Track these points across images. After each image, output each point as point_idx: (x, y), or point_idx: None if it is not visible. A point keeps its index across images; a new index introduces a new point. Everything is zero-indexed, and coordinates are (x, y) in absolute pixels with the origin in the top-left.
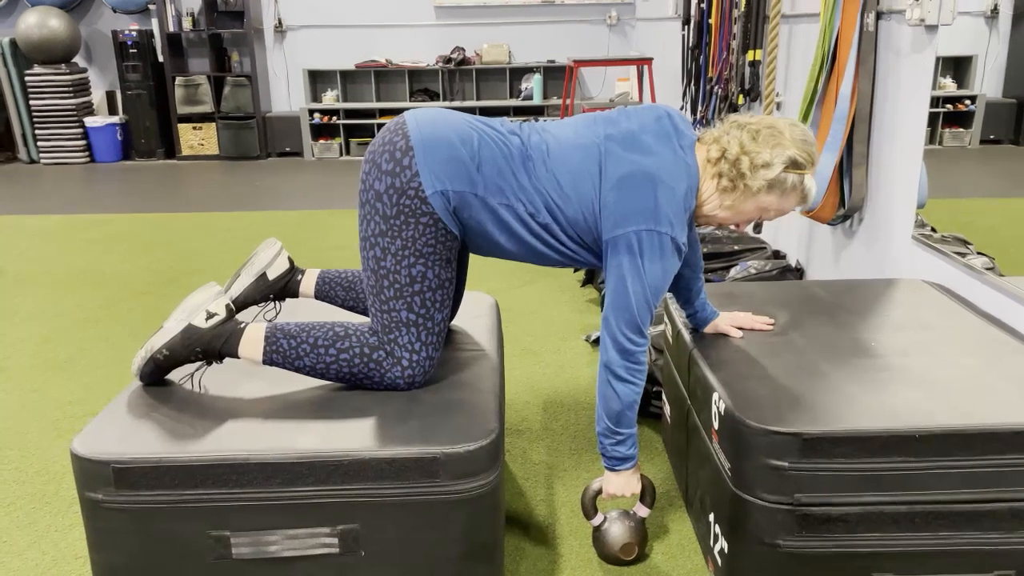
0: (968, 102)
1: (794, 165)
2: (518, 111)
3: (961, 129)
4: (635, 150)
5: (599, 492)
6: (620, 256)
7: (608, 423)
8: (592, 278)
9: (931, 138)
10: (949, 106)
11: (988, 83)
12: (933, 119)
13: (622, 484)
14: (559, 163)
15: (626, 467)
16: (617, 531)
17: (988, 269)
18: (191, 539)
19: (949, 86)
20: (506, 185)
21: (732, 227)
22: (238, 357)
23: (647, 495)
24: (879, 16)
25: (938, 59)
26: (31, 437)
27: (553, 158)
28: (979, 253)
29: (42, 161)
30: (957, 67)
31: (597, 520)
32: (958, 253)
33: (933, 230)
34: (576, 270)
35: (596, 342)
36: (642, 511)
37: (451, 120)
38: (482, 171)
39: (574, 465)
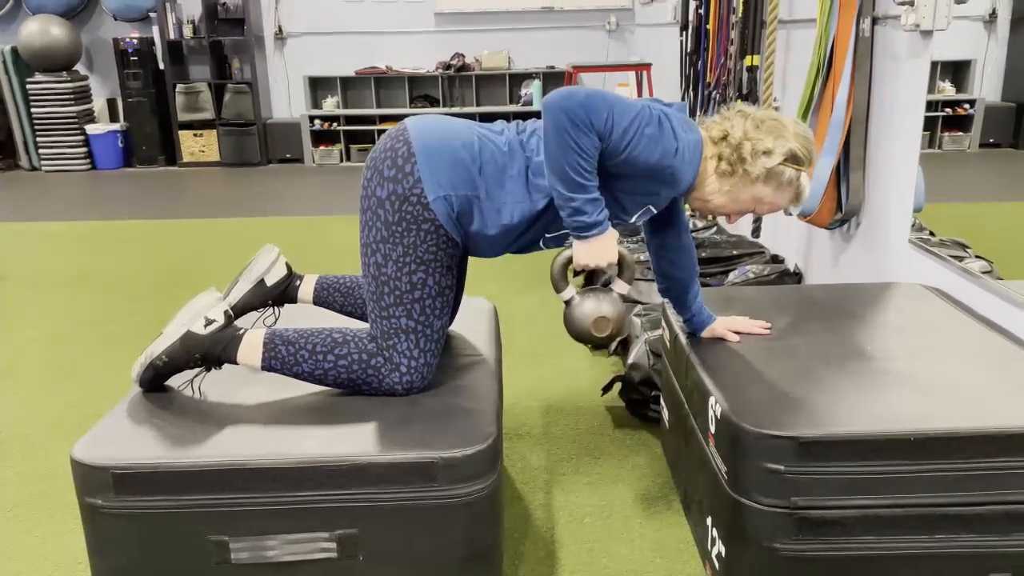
0: (967, 106)
1: (794, 159)
2: (518, 117)
3: (960, 133)
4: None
5: (569, 261)
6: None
7: (560, 190)
8: (592, 280)
9: (930, 142)
10: (948, 110)
11: (987, 87)
12: (932, 123)
13: (593, 253)
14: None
15: (593, 233)
16: (590, 305)
17: (986, 273)
18: (190, 544)
19: (948, 90)
20: (508, 184)
21: (724, 220)
22: (237, 363)
23: (625, 269)
24: (875, 21)
25: (937, 63)
26: (35, 440)
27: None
28: (977, 257)
29: (44, 168)
30: (956, 71)
31: (567, 293)
32: (956, 257)
33: (932, 234)
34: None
35: (595, 346)
36: (620, 287)
37: (452, 126)
38: (484, 173)
39: (573, 470)
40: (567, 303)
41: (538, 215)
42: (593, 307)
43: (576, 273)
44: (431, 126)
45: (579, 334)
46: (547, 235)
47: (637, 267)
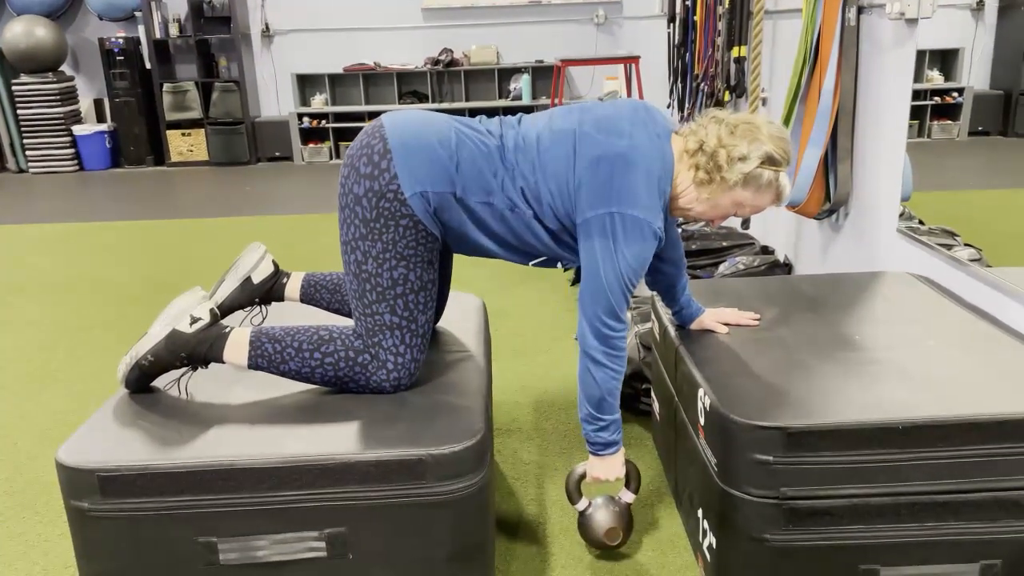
0: (955, 94)
1: (770, 161)
2: (507, 111)
3: (949, 121)
4: (610, 133)
5: (583, 476)
6: (593, 239)
7: (589, 409)
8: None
9: (919, 131)
10: (937, 98)
11: (975, 75)
12: (921, 112)
13: (606, 469)
14: (535, 152)
15: (609, 452)
16: (602, 516)
17: (975, 261)
18: (179, 546)
19: (936, 79)
20: (485, 183)
21: (707, 223)
22: (223, 362)
23: (632, 480)
24: (860, 10)
25: (925, 52)
26: (22, 447)
27: (529, 148)
28: (966, 244)
29: (31, 170)
30: (944, 59)
31: (582, 505)
32: (945, 245)
33: (921, 222)
34: (565, 269)
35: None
36: (627, 496)
37: (429, 121)
38: (461, 171)
39: (564, 464)
40: (581, 513)
41: (512, 228)
42: (604, 519)
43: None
44: (407, 122)
45: (592, 542)
46: (532, 263)
47: None
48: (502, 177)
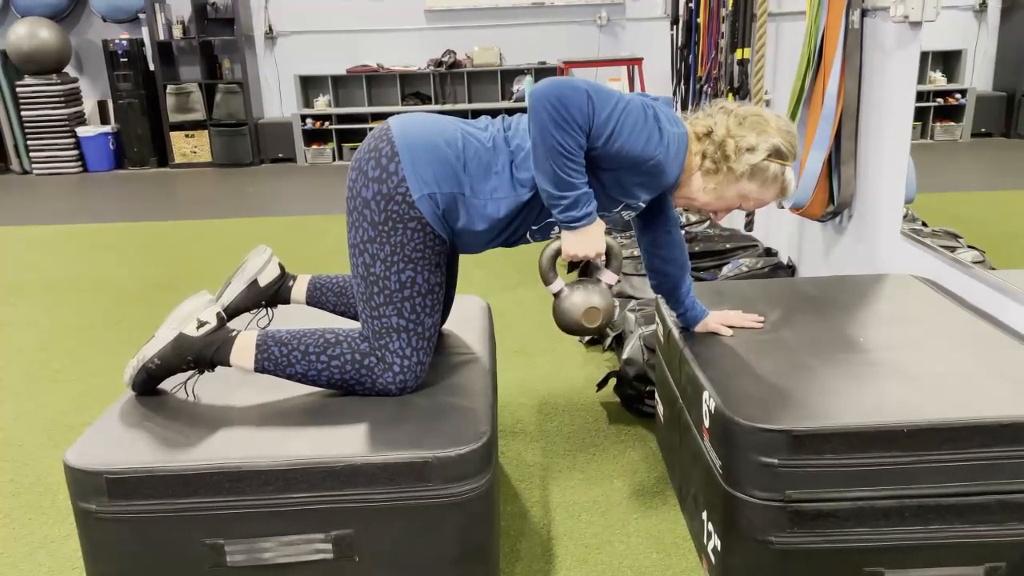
0: (958, 96)
1: (777, 154)
2: (510, 113)
3: (952, 123)
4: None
5: (558, 253)
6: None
7: (549, 189)
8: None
9: (922, 132)
10: (940, 100)
11: (978, 77)
12: (924, 113)
13: (581, 243)
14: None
15: (582, 224)
16: (580, 296)
17: (978, 262)
18: (186, 548)
19: (939, 80)
20: (493, 180)
21: (710, 220)
22: (230, 365)
23: (613, 259)
24: (864, 13)
25: (928, 53)
26: (26, 448)
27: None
28: (970, 246)
29: (35, 171)
30: (947, 61)
31: (556, 286)
32: (948, 247)
33: (924, 224)
34: (569, 270)
35: (590, 342)
36: (608, 277)
37: (436, 123)
38: (468, 170)
39: (569, 466)
40: (556, 295)
41: (524, 206)
42: (583, 298)
43: (570, 268)
44: (414, 124)
45: (569, 326)
46: (533, 227)
47: (630, 262)
48: (508, 166)
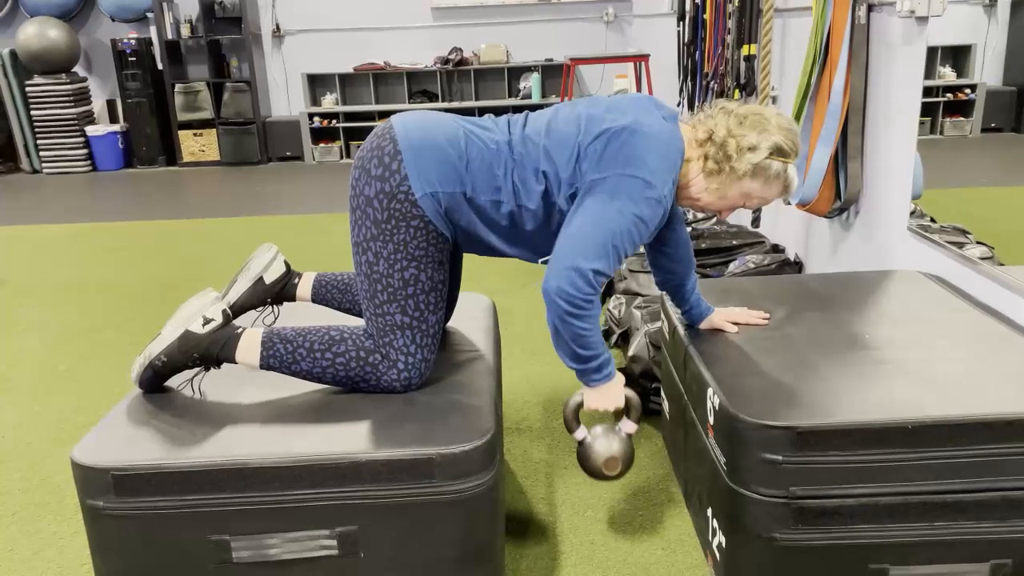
0: (968, 91)
1: (779, 152)
2: (517, 110)
3: (962, 118)
4: (616, 112)
5: (581, 405)
6: (594, 196)
7: (570, 362)
8: None
9: (931, 128)
10: (949, 95)
11: (988, 71)
12: (933, 108)
13: (602, 398)
14: (543, 139)
15: (603, 382)
16: (601, 445)
17: (986, 259)
18: (192, 544)
19: (949, 75)
20: (495, 181)
21: (716, 215)
22: (235, 362)
23: (633, 410)
24: (870, 8)
25: (937, 48)
26: (35, 447)
27: (537, 137)
28: (978, 243)
29: (44, 171)
30: (956, 56)
31: (580, 434)
32: (956, 243)
33: (932, 220)
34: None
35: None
36: (628, 427)
37: (438, 121)
38: (471, 170)
39: (574, 463)
40: (579, 443)
41: (525, 220)
42: (604, 448)
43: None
44: (417, 123)
45: (591, 472)
46: (540, 260)
47: (636, 259)
48: (511, 171)
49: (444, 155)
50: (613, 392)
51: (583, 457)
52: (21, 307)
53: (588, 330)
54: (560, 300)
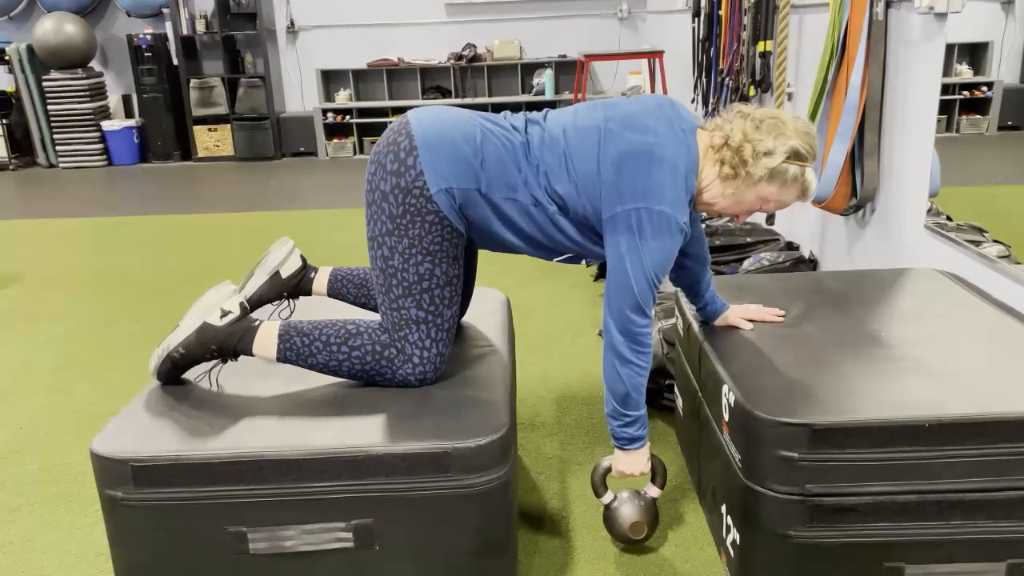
0: (985, 88)
1: (796, 156)
2: (530, 107)
3: (978, 116)
4: (635, 130)
5: (609, 470)
6: (619, 235)
7: (615, 405)
8: (604, 272)
9: (948, 125)
10: (966, 93)
11: (1005, 69)
12: (950, 106)
13: (631, 464)
14: (561, 148)
15: (635, 447)
16: (627, 510)
17: (1003, 257)
18: (209, 535)
19: (965, 73)
20: (510, 179)
21: (732, 218)
22: (252, 355)
23: (658, 476)
24: (888, 5)
25: (954, 46)
26: (54, 437)
27: (555, 144)
28: (995, 241)
29: (61, 165)
30: (973, 53)
31: (607, 498)
32: (973, 241)
33: (949, 218)
34: (588, 265)
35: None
36: (653, 491)
37: (454, 117)
38: (486, 167)
39: (588, 459)
40: (607, 507)
41: (537, 223)
42: (630, 513)
43: (598, 275)
44: (433, 118)
45: (617, 536)
46: (556, 259)
47: None
48: (526, 173)
49: (459, 151)
50: (642, 458)
51: (610, 521)
52: (41, 299)
53: (633, 380)
54: (612, 346)
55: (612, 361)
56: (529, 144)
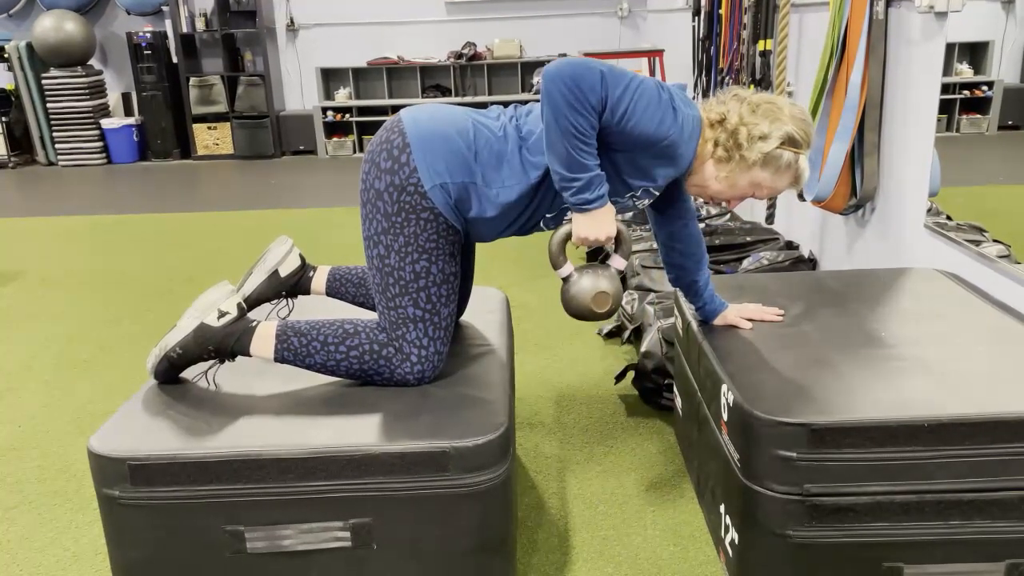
0: (985, 88)
1: (791, 142)
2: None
3: (979, 115)
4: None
5: (568, 237)
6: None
7: (560, 169)
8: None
9: (948, 125)
10: (966, 92)
11: (1006, 69)
12: (950, 105)
13: (593, 226)
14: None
15: (594, 206)
16: (588, 281)
17: (1003, 257)
18: (207, 534)
19: (966, 72)
20: (504, 168)
21: (723, 204)
22: (250, 355)
23: (623, 244)
24: (888, 3)
25: (954, 45)
26: (53, 435)
27: (540, 118)
28: (995, 241)
29: (60, 163)
30: (974, 53)
31: (566, 270)
32: (973, 241)
33: (949, 218)
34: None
35: (608, 335)
36: (618, 263)
37: (447, 113)
38: (480, 159)
39: (586, 458)
40: (565, 280)
41: (535, 190)
42: (591, 283)
43: (589, 256)
44: (425, 115)
45: (578, 311)
46: (547, 215)
47: (649, 255)
48: (520, 158)
49: (453, 145)
50: (604, 220)
51: (569, 295)
52: (40, 298)
53: (583, 132)
54: (561, 86)
55: (548, 120)
56: (520, 132)
